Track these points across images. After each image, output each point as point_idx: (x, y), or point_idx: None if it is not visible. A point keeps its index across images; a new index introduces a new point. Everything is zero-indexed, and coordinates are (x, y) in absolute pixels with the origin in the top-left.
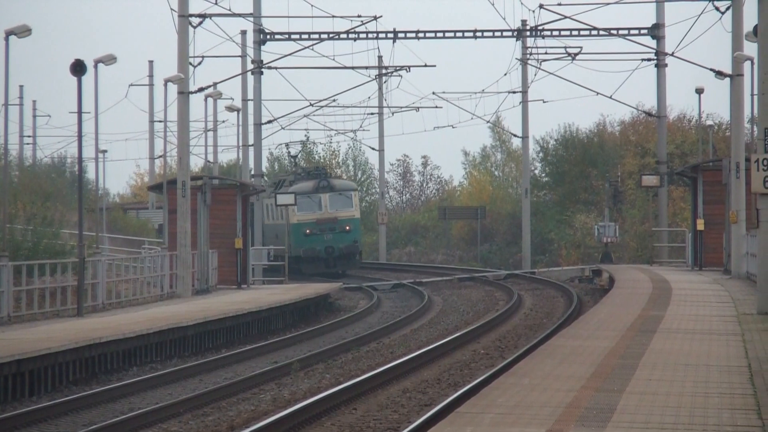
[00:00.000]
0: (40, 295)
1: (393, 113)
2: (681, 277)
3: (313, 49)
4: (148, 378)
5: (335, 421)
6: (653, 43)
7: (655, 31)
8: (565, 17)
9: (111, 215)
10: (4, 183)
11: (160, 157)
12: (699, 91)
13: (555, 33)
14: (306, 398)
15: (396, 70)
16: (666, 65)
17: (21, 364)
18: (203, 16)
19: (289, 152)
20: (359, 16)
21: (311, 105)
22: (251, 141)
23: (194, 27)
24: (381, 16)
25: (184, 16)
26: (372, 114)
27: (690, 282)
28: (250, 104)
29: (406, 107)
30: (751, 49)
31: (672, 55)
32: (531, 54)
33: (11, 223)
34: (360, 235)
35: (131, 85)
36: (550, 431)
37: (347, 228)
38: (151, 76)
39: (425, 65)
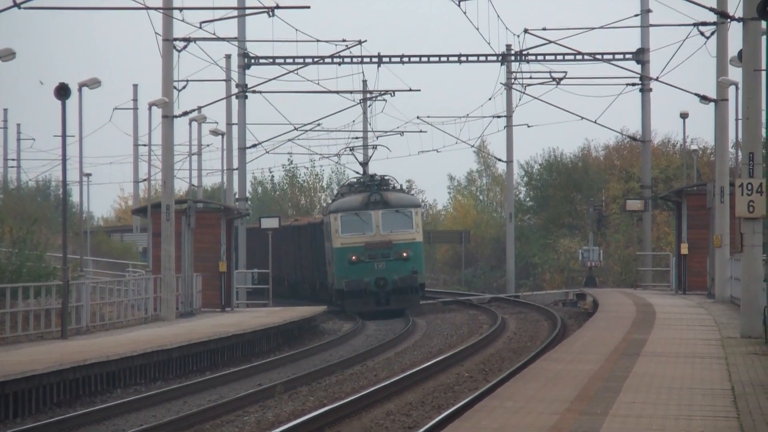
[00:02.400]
0: (24, 317)
1: (378, 137)
2: (665, 300)
3: (297, 74)
4: (132, 400)
5: None
6: (638, 67)
7: (640, 55)
8: (550, 42)
9: (95, 238)
10: None
11: (145, 180)
12: (683, 116)
13: (540, 58)
14: (290, 420)
15: (381, 95)
16: (650, 90)
17: (5, 386)
18: (188, 40)
19: (353, 155)
20: (344, 41)
21: (296, 129)
22: (236, 165)
23: (179, 51)
24: (365, 41)
25: (168, 40)
26: (357, 138)
27: (674, 306)
28: (235, 128)
29: (391, 131)
30: (735, 73)
31: (656, 79)
32: (516, 78)
33: None
34: (422, 263)
35: (116, 108)
36: None
37: (405, 254)
38: (135, 99)
39: (410, 89)
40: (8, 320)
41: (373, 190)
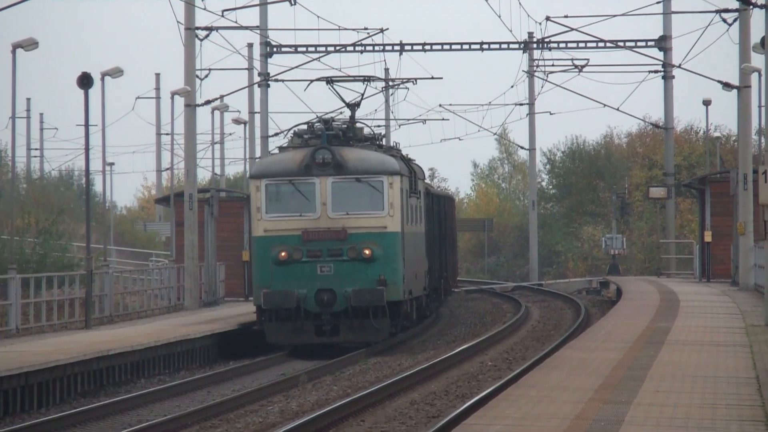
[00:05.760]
0: (48, 307)
1: (400, 125)
2: (689, 288)
3: (320, 61)
4: (156, 390)
5: None
6: (660, 54)
7: (662, 43)
8: (572, 29)
9: (119, 228)
10: (12, 196)
11: (167, 169)
12: (706, 103)
13: (562, 45)
14: (314, 410)
15: (403, 83)
16: (673, 77)
17: (29, 377)
18: (210, 29)
19: (334, 90)
20: (366, 29)
21: (318, 117)
22: (258, 154)
23: (201, 40)
24: (387, 29)
25: (190, 29)
26: (379, 126)
27: (698, 293)
28: (257, 117)
29: (413, 119)
30: (758, 60)
31: (679, 66)
32: (538, 66)
33: (22, 236)
34: (399, 268)
35: (138, 97)
36: None
37: (366, 252)
38: (157, 88)
39: (432, 77)
40: (32, 310)
41: (322, 143)
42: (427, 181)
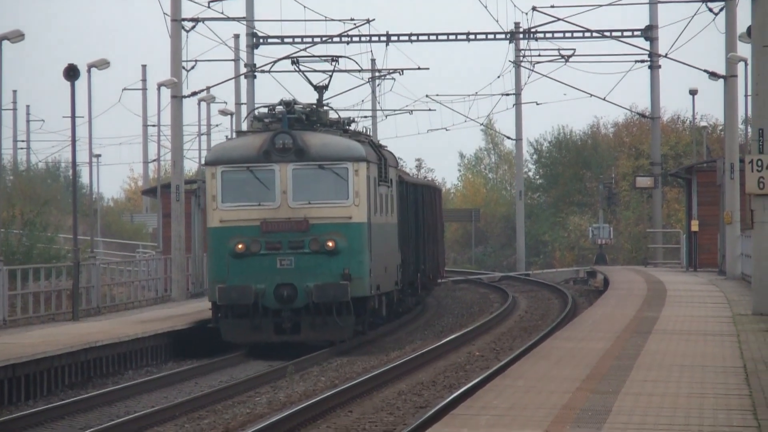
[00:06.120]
0: (35, 299)
1: (387, 116)
2: (676, 278)
3: (306, 52)
4: (144, 381)
5: (331, 424)
6: (646, 44)
7: (649, 32)
8: (558, 19)
9: (105, 219)
10: None
11: (154, 161)
12: (693, 93)
13: (548, 35)
14: (302, 401)
15: (389, 73)
16: (659, 67)
17: (16, 369)
18: (196, 20)
19: (299, 69)
20: (352, 20)
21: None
22: None
23: (187, 31)
24: (374, 20)
25: (177, 21)
26: (366, 117)
27: (685, 283)
28: (244, 108)
29: (400, 110)
30: (744, 50)
31: (665, 56)
32: (524, 56)
33: (7, 228)
34: (365, 261)
35: (124, 89)
36: None
37: (330, 244)
38: (144, 80)
39: (418, 68)
40: (19, 302)
41: (283, 127)
42: (413, 170)
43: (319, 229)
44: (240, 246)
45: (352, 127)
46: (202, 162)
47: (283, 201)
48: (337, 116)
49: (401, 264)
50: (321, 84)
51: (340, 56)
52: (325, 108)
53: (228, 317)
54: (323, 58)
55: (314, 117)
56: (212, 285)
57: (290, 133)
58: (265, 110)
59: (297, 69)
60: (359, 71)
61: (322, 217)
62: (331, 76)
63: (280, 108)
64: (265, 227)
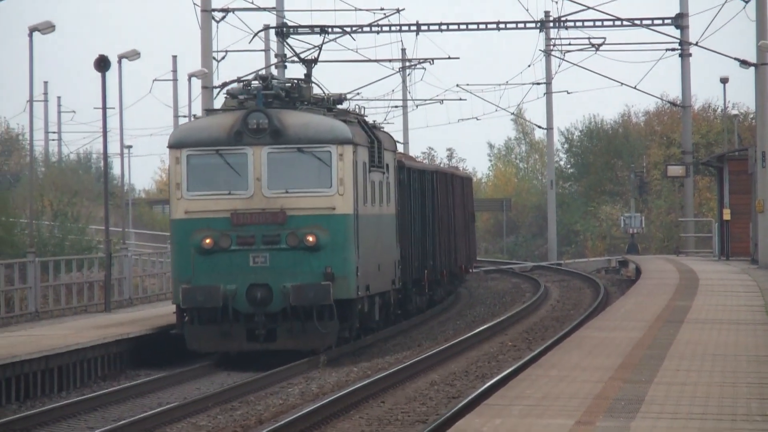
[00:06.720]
0: (68, 290)
1: (417, 106)
2: (708, 267)
3: (336, 42)
4: (176, 373)
5: (363, 414)
6: (677, 33)
7: (679, 20)
8: (588, 8)
9: (137, 211)
10: (31, 180)
11: None
12: (723, 81)
13: (578, 24)
14: (334, 392)
15: (420, 63)
16: (690, 55)
17: (49, 360)
18: (226, 11)
19: (287, 45)
20: (382, 9)
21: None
22: None
23: (217, 21)
24: (404, 9)
25: (207, 11)
26: (396, 107)
27: (717, 272)
28: None
29: (431, 100)
30: None
31: (696, 44)
32: (554, 45)
33: (38, 220)
34: (350, 259)
35: (155, 80)
36: (578, 422)
37: (310, 239)
38: (174, 71)
39: (449, 57)
40: (51, 293)
41: (257, 105)
42: (443, 160)
43: (298, 222)
44: (207, 241)
45: (345, 106)
46: None
47: (257, 189)
48: (323, 93)
49: (400, 260)
50: (309, 57)
51: (330, 26)
52: (310, 84)
53: (193, 322)
54: (313, 29)
55: (295, 93)
56: (176, 285)
57: (265, 111)
58: (240, 86)
59: (282, 41)
60: (389, 61)
61: (302, 207)
62: (320, 49)
63: (256, 84)
64: (236, 219)
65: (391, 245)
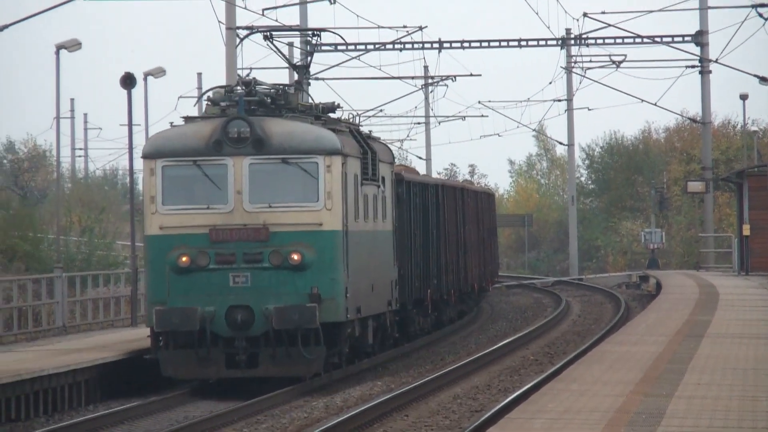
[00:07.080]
0: (94, 305)
1: (440, 122)
2: (728, 282)
3: (359, 60)
4: (203, 386)
5: (387, 428)
6: (697, 50)
7: (699, 38)
8: (609, 25)
9: None
10: (57, 196)
11: None
12: (743, 97)
13: (599, 41)
14: (358, 405)
15: (442, 80)
16: (710, 72)
17: (77, 374)
18: (250, 29)
19: (274, 46)
20: (405, 27)
21: (358, 115)
22: None
23: (242, 39)
24: (426, 27)
25: (231, 29)
26: (419, 123)
27: (737, 287)
28: None
29: (453, 116)
30: None
31: (716, 61)
32: (575, 62)
33: (65, 235)
34: (338, 279)
35: (180, 97)
36: None
37: (295, 257)
38: (199, 88)
39: (471, 74)
40: (78, 308)
41: (238, 112)
42: (465, 176)
43: (282, 239)
44: (184, 259)
45: (338, 114)
46: None
47: (238, 203)
48: (311, 100)
49: (398, 279)
50: (300, 63)
51: (323, 29)
52: (301, 92)
53: (168, 347)
54: (303, 33)
55: (281, 100)
56: (150, 307)
57: (246, 119)
58: (221, 90)
59: (271, 46)
60: (412, 78)
61: (286, 223)
62: (312, 53)
63: (239, 90)
64: (214, 236)
65: (388, 264)
